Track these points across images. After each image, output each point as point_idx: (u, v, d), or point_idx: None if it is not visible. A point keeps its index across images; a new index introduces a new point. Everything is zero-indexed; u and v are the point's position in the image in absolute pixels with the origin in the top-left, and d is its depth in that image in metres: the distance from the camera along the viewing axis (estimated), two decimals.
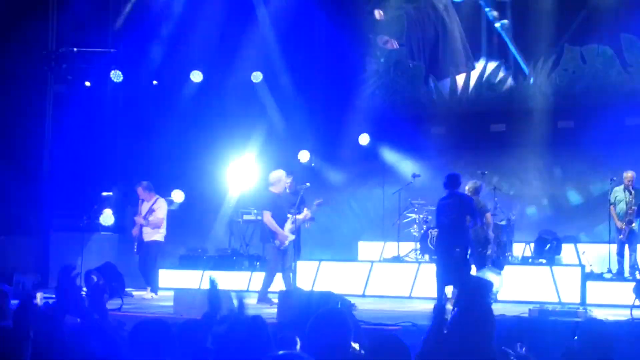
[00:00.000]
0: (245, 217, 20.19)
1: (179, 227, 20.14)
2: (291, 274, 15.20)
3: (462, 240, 13.84)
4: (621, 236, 16.76)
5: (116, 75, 19.81)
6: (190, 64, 21.11)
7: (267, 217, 14.92)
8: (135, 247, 16.78)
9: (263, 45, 21.43)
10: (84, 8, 18.87)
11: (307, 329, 5.61)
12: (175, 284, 17.43)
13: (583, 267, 16.31)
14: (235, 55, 21.42)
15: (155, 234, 16.82)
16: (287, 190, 17.98)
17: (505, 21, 20.69)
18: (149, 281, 16.46)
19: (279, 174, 15.30)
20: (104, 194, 17.24)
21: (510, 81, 20.64)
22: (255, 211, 20.00)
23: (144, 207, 16.90)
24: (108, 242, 19.06)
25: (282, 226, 14.88)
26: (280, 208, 15.03)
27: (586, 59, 19.70)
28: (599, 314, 12.42)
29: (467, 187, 15.75)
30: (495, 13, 20.77)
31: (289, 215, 15.01)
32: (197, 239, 20.10)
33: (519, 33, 20.47)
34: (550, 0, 19.58)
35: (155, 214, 16.75)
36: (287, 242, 14.92)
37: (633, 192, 16.72)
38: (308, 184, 15.33)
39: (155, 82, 20.68)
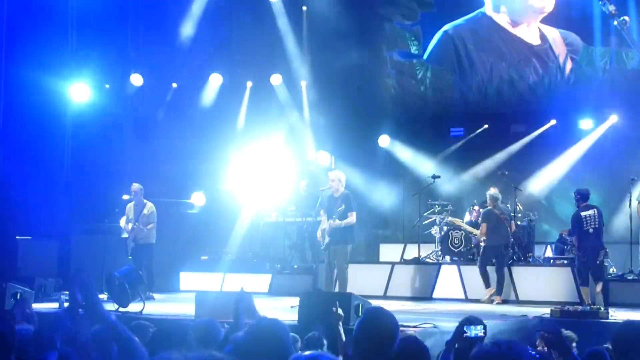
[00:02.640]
0: (266, 219, 20.22)
1: (200, 230, 20.25)
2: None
3: None
4: None
5: (136, 79, 19.87)
6: (210, 66, 21.17)
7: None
8: (130, 251, 16.95)
9: (282, 48, 21.47)
10: (103, 11, 18.92)
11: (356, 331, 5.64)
12: (196, 287, 17.46)
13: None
14: (254, 58, 21.47)
15: (150, 237, 17.01)
16: (303, 193, 17.98)
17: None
18: (151, 283, 16.59)
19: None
20: (125, 197, 17.29)
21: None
22: (275, 213, 20.05)
23: (133, 210, 17.02)
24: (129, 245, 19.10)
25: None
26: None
27: None
28: (620, 315, 12.37)
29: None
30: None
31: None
32: (218, 241, 20.13)
33: None
34: None
35: (148, 218, 17.00)
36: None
37: None
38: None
39: (175, 85, 20.73)
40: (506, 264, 16.23)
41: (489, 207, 16.50)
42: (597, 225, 15.10)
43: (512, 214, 17.25)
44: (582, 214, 15.17)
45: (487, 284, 16.11)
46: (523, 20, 20.65)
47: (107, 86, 19.64)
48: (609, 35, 19.53)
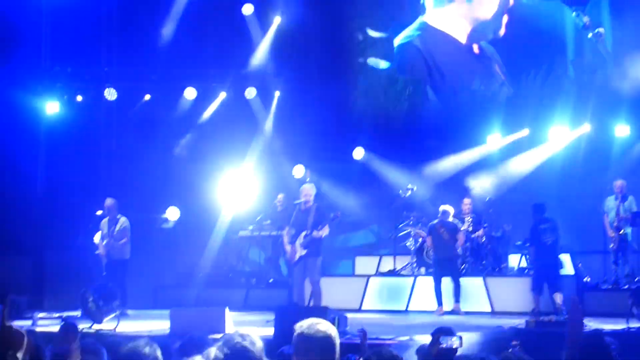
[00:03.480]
0: (241, 233, 20.18)
1: (174, 245, 20.16)
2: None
3: None
4: (612, 245, 16.83)
5: (110, 93, 19.80)
6: (184, 80, 21.12)
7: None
8: (104, 267, 16.86)
9: (256, 60, 21.45)
10: (78, 26, 18.87)
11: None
12: (171, 303, 17.39)
13: (579, 277, 16.35)
14: (229, 71, 21.43)
15: (124, 253, 16.96)
16: (279, 206, 18.03)
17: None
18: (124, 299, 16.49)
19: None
20: (99, 212, 17.21)
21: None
22: (251, 227, 20.01)
23: (107, 226, 16.96)
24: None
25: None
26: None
27: None
28: (595, 324, 12.42)
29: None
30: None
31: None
32: (193, 256, 20.05)
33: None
34: None
35: (122, 233, 16.94)
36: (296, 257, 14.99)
37: (622, 199, 16.83)
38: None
39: (147, 97, 20.62)
40: (457, 276, 16.41)
41: (432, 222, 16.77)
42: (555, 237, 15.61)
43: (486, 225, 17.40)
44: (541, 226, 15.66)
45: (439, 301, 16.24)
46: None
47: (79, 98, 19.54)
48: (581, 47, 19.53)
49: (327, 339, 5.30)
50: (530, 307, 15.55)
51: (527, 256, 17.29)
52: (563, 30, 19.66)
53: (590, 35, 19.00)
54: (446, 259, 16.50)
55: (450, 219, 17.03)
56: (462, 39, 20.61)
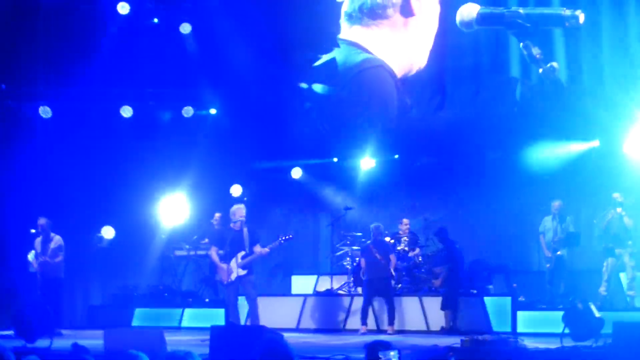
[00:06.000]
0: (177, 252, 20.07)
1: (109, 264, 19.97)
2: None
3: None
4: (548, 265, 17.06)
5: (45, 112, 19.60)
6: (121, 98, 20.98)
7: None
8: (38, 285, 16.68)
9: (194, 80, 21.38)
10: (11, 45, 18.70)
11: None
12: (105, 322, 17.23)
13: (514, 296, 16.50)
14: (166, 90, 21.34)
15: (58, 271, 16.84)
16: (216, 225, 17.99)
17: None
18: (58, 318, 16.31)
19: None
20: (32, 231, 17.00)
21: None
22: (187, 246, 19.92)
23: (41, 244, 16.81)
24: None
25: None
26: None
27: None
28: (530, 343, 12.55)
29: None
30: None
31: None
32: (128, 275, 19.88)
33: None
34: None
35: (56, 251, 16.80)
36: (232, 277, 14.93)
37: (560, 220, 17.09)
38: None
39: (85, 116, 20.46)
40: (390, 296, 16.46)
41: (366, 242, 16.95)
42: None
43: (423, 245, 17.51)
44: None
45: (363, 321, 16.31)
46: None
47: None
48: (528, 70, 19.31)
49: None
50: (448, 325, 15.81)
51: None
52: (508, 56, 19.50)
53: (540, 70, 18.57)
54: (377, 279, 16.52)
55: (385, 236, 17.09)
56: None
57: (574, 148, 18.87)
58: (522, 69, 19.21)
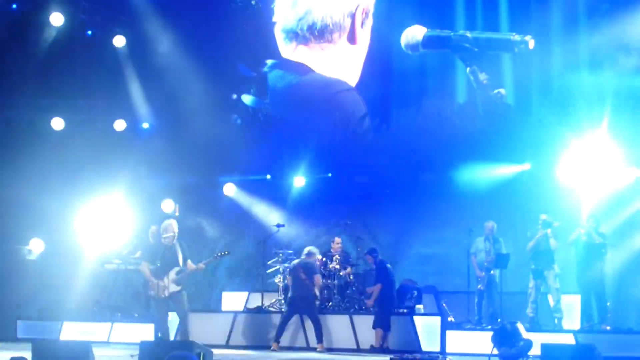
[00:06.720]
0: (107, 266, 19.88)
1: (38, 277, 19.72)
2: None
3: None
4: (480, 285, 17.24)
5: None
6: (52, 111, 20.78)
7: None
8: None
9: (127, 92, 21.26)
10: None
11: None
12: (34, 335, 17.00)
13: (443, 316, 16.62)
14: (97, 103, 21.20)
15: None
16: (151, 240, 17.86)
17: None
18: None
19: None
20: None
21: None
22: (117, 261, 19.74)
23: None
24: None
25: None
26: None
27: None
28: None
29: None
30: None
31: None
32: (58, 288, 19.64)
33: None
34: None
35: None
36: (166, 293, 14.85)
37: (493, 241, 17.29)
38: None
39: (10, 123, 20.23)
40: (314, 315, 16.50)
41: (293, 262, 17.12)
42: (393, 277, 16.61)
43: (354, 264, 17.57)
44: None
45: (277, 337, 16.42)
46: None
47: None
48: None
49: None
50: (378, 344, 15.87)
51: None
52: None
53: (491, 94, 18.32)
54: (299, 298, 16.55)
55: (317, 257, 17.13)
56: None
57: (506, 170, 19.11)
58: (468, 93, 19.32)
